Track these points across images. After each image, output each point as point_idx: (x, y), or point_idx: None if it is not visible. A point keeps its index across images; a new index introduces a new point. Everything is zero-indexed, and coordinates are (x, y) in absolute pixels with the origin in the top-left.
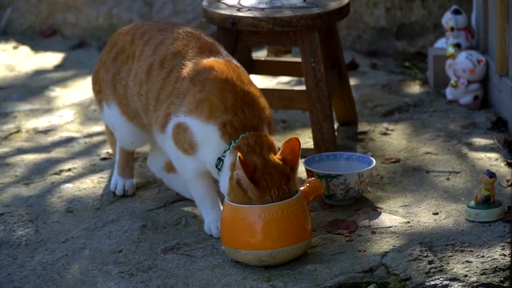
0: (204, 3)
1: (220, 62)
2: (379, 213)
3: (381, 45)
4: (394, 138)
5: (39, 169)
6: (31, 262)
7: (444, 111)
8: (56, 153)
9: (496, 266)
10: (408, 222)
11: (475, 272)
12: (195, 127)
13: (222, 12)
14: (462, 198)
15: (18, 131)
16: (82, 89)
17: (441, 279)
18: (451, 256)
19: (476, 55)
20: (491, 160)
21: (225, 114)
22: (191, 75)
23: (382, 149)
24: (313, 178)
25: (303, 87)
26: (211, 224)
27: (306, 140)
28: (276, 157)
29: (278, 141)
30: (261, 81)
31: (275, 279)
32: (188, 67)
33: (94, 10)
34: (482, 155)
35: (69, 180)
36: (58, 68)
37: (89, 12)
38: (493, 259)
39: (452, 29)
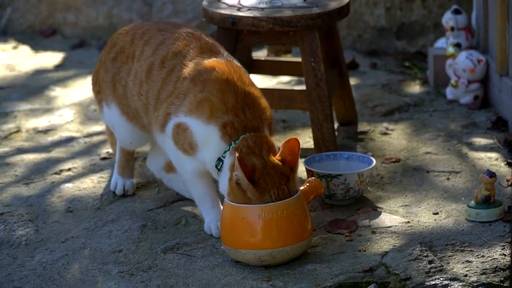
0: (204, 3)
1: (221, 63)
2: (379, 213)
3: (381, 44)
4: (394, 138)
5: (39, 169)
6: (31, 261)
7: (444, 111)
8: (56, 153)
9: (496, 266)
10: (408, 222)
11: (475, 272)
12: (196, 127)
13: (222, 11)
14: (462, 198)
15: (18, 130)
16: (82, 88)
17: (441, 279)
18: (451, 256)
19: (476, 55)
20: (491, 160)
21: (225, 114)
22: (192, 75)
23: (382, 149)
24: (313, 177)
25: (303, 87)
26: (211, 224)
27: (306, 139)
28: (276, 158)
29: (278, 141)
30: (261, 81)
31: (275, 279)
32: (189, 67)
33: (94, 10)
34: (482, 155)
35: (69, 179)
36: (58, 67)
37: (89, 12)
38: (493, 259)
39: (452, 28)
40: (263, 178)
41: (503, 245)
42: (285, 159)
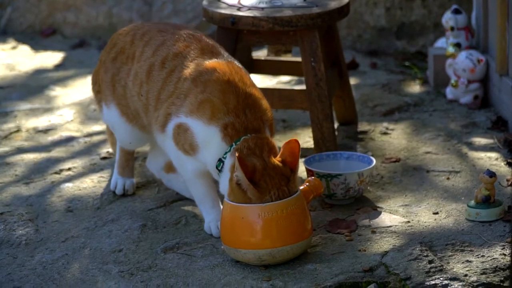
0: (204, 2)
1: (222, 64)
2: (379, 213)
3: (381, 44)
4: (394, 138)
5: (39, 169)
6: (31, 261)
7: (444, 111)
8: (56, 153)
9: (496, 266)
10: (408, 221)
11: (475, 272)
12: (196, 128)
13: (222, 11)
14: (462, 198)
15: (18, 130)
16: (82, 88)
17: (441, 278)
18: (451, 256)
19: (476, 55)
20: (491, 159)
21: (227, 115)
22: (193, 76)
23: (382, 149)
24: (313, 177)
25: (303, 87)
26: (211, 224)
27: (306, 139)
28: (276, 159)
29: (278, 141)
30: (261, 81)
31: (275, 279)
32: (190, 68)
33: (94, 9)
34: (482, 154)
35: (69, 179)
36: (58, 67)
37: (89, 12)
38: (493, 258)
39: (452, 28)
40: (264, 179)
41: (503, 245)
42: (286, 160)
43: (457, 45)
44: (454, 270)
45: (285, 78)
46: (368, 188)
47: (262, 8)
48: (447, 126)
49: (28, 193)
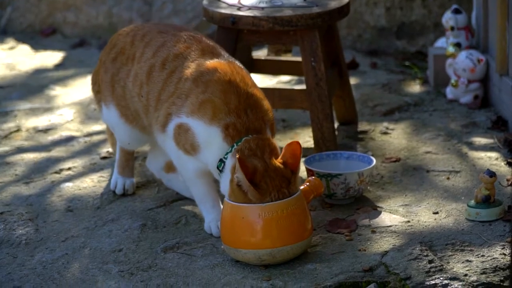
0: (204, 2)
1: (223, 64)
2: (379, 212)
3: (381, 44)
4: (394, 138)
5: (39, 168)
6: (31, 261)
7: (444, 111)
8: (56, 152)
9: (496, 266)
10: (408, 221)
11: (475, 272)
12: (198, 128)
13: (222, 11)
14: (462, 198)
15: (18, 130)
16: (82, 88)
17: (441, 278)
18: (451, 256)
19: (476, 55)
20: (491, 159)
21: (228, 116)
22: (194, 76)
23: (382, 149)
24: (313, 177)
25: (303, 86)
26: (211, 223)
27: (307, 139)
28: (277, 161)
29: (279, 140)
30: (261, 80)
31: (275, 278)
32: (190, 68)
33: (94, 9)
34: (482, 154)
35: (69, 179)
36: (58, 67)
37: (89, 11)
38: (493, 258)
39: (452, 28)
40: (264, 180)
41: (503, 245)
42: (287, 162)
43: (457, 45)
44: (454, 269)
45: (285, 77)
46: (368, 188)
47: (262, 8)
48: (447, 126)
49: (28, 193)
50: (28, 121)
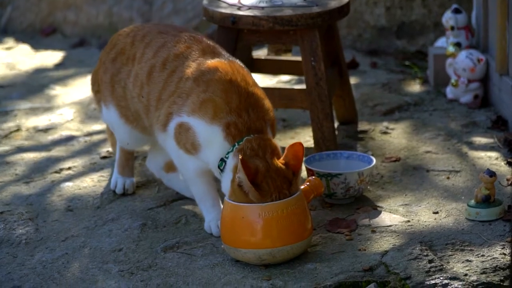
0: (205, 1)
1: (224, 63)
2: (379, 212)
3: (382, 44)
4: (395, 137)
5: (39, 168)
6: (31, 260)
7: (444, 110)
8: (56, 152)
9: (496, 265)
10: (408, 221)
11: (475, 271)
12: (199, 127)
13: (223, 10)
14: (462, 197)
15: (18, 129)
16: (82, 87)
17: (441, 278)
18: (451, 255)
19: (476, 54)
20: (491, 159)
21: (229, 115)
22: (195, 75)
23: (382, 148)
24: (313, 177)
25: (303, 86)
26: (211, 223)
27: (307, 139)
28: (279, 162)
29: (278, 140)
30: (261, 80)
31: (275, 278)
32: (191, 68)
33: (94, 8)
34: (482, 154)
35: (69, 178)
36: (58, 66)
37: (89, 11)
38: (493, 258)
39: (452, 28)
40: (266, 181)
41: (503, 244)
42: (289, 163)
43: (457, 45)
44: (454, 269)
45: (285, 77)
46: (368, 187)
47: (262, 8)
48: (447, 125)
49: (28, 192)
50: (28, 121)
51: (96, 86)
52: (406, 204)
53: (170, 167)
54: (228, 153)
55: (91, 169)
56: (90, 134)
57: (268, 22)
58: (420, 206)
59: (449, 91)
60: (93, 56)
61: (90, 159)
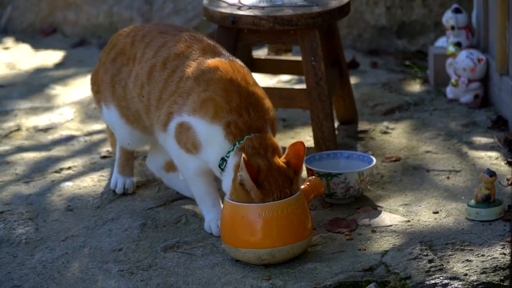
0: (205, 1)
1: (225, 63)
2: (379, 212)
3: (382, 43)
4: (395, 137)
5: (39, 167)
6: (31, 260)
7: (444, 110)
8: (56, 151)
9: (496, 265)
10: (408, 221)
11: (475, 271)
12: (199, 126)
13: (223, 10)
14: (462, 197)
15: (19, 129)
16: (83, 87)
17: (441, 278)
18: (451, 255)
19: (476, 54)
20: (492, 159)
21: (229, 114)
22: (195, 75)
23: (383, 148)
24: (314, 176)
25: (303, 86)
26: (211, 223)
27: (307, 138)
28: (281, 160)
29: (279, 140)
30: (261, 80)
31: (275, 278)
32: (192, 67)
33: (95, 8)
34: (482, 154)
35: (69, 178)
36: (58, 66)
37: (90, 10)
38: (493, 258)
39: (452, 27)
40: (267, 180)
41: (503, 244)
42: (290, 161)
43: (458, 44)
44: (454, 269)
45: (285, 77)
46: (368, 187)
47: (263, 7)
48: (447, 125)
49: (28, 192)
50: (28, 120)
51: (96, 87)
52: (406, 204)
53: (170, 166)
54: (229, 152)
55: (91, 168)
56: (90, 133)
57: (268, 22)
58: (420, 206)
59: (449, 91)
60: (93, 56)
61: (90, 158)
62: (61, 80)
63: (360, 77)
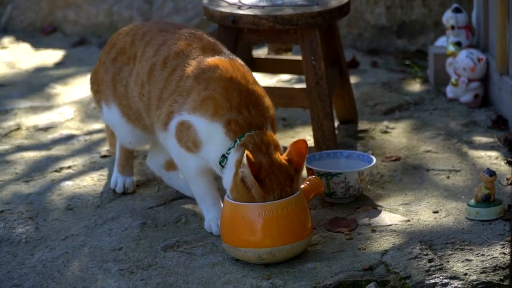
0: (205, 1)
1: (224, 61)
2: (379, 211)
3: (382, 43)
4: (395, 136)
5: (39, 167)
6: (31, 259)
7: (444, 110)
8: (56, 151)
9: (496, 265)
10: (408, 220)
11: (475, 271)
12: (200, 125)
13: (223, 10)
14: (462, 197)
15: (18, 128)
16: (83, 86)
17: (441, 277)
18: (451, 255)
19: (476, 54)
20: (491, 158)
21: (230, 112)
22: (195, 73)
23: (383, 147)
24: (314, 176)
25: (303, 85)
26: (211, 222)
27: (307, 138)
28: (282, 158)
29: (279, 139)
30: (261, 79)
31: (275, 277)
32: (192, 66)
33: (95, 7)
34: (482, 153)
35: (69, 177)
36: (58, 65)
37: (90, 10)
38: (493, 257)
39: (452, 27)
40: (269, 177)
41: (503, 244)
42: (292, 159)
43: (458, 44)
44: (454, 269)
45: (286, 76)
46: (368, 186)
47: (263, 7)
48: (447, 125)
49: (28, 191)
50: (28, 120)
51: (95, 86)
52: (406, 204)
53: (171, 165)
54: (229, 149)
55: (91, 168)
56: (90, 133)
57: (269, 21)
58: (420, 206)
59: (449, 91)
60: (93, 55)
61: (90, 158)
62: (61, 79)
63: (360, 76)
